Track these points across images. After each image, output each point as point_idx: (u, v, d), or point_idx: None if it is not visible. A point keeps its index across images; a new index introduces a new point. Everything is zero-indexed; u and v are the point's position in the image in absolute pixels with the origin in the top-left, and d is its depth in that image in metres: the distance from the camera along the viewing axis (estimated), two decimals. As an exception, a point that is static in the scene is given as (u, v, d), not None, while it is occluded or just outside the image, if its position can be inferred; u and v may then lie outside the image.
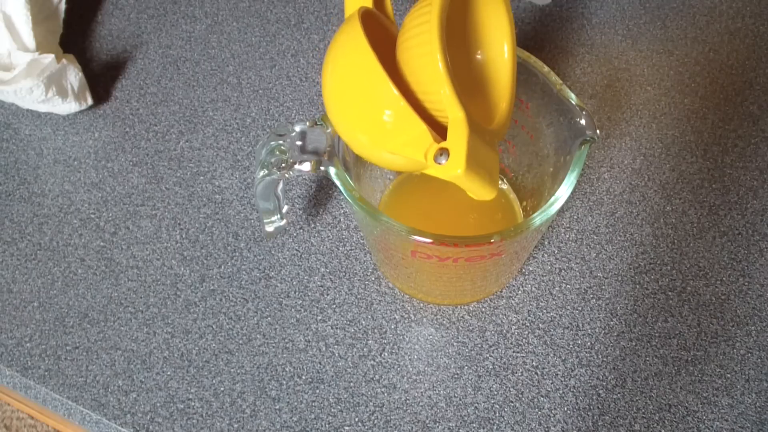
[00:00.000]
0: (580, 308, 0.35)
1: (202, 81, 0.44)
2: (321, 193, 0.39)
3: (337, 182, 0.28)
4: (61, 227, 0.38)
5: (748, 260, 0.37)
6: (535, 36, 0.45)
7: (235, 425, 0.33)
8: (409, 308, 0.35)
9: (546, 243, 0.37)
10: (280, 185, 0.32)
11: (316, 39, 0.45)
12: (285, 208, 0.34)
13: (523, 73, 0.30)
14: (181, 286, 0.36)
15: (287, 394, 0.33)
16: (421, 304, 0.36)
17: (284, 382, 0.34)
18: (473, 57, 0.28)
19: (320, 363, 0.34)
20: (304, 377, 0.34)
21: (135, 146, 0.41)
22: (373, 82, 0.24)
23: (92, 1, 0.47)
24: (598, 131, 0.29)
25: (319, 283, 0.36)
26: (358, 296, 0.36)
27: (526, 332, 0.35)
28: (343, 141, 0.27)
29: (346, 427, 0.32)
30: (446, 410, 0.33)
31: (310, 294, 0.36)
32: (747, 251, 0.37)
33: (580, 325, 0.35)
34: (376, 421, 0.33)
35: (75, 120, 0.42)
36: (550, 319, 0.35)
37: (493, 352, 0.34)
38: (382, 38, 0.27)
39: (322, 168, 0.29)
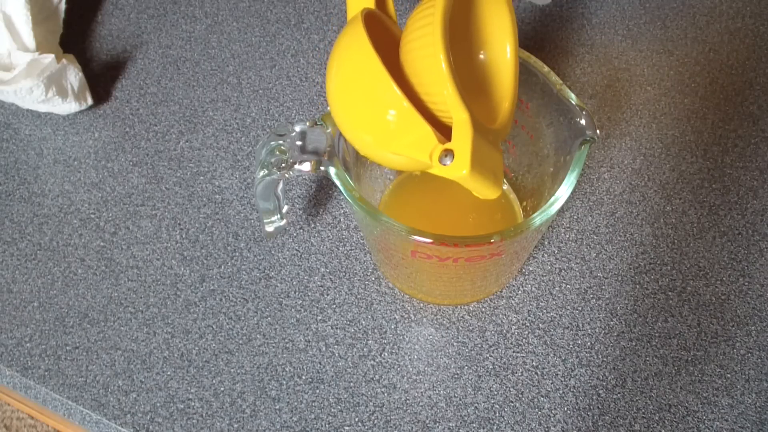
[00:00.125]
0: (580, 308, 0.35)
1: (202, 81, 0.44)
2: (321, 193, 0.39)
3: (337, 182, 0.28)
4: (61, 227, 0.38)
5: (748, 260, 0.37)
6: (535, 36, 0.45)
7: (235, 425, 0.33)
8: (409, 308, 0.35)
9: (546, 243, 0.37)
10: (280, 185, 0.32)
11: (316, 39, 0.45)
12: (285, 208, 0.34)
13: (523, 73, 0.30)
14: (181, 286, 0.36)
15: (287, 394, 0.33)
16: (421, 304, 0.36)
17: (284, 382, 0.34)
18: (476, 57, 0.29)
19: (320, 363, 0.34)
20: (304, 377, 0.34)
21: (135, 146, 0.41)
22: (377, 84, 0.24)
23: (92, 1, 0.47)
24: (598, 131, 0.29)
25: (319, 283, 0.36)
26: (358, 296, 0.36)
27: (526, 332, 0.35)
28: (347, 141, 0.27)
29: (346, 427, 0.32)
30: (446, 410, 0.33)
31: (310, 294, 0.36)
32: (747, 251, 0.37)
33: (580, 325, 0.35)
34: (376, 421, 0.33)
35: (75, 120, 0.42)
36: (550, 319, 0.35)
37: (493, 352, 0.34)
38: (386, 39, 0.27)
39: (322, 168, 0.29)
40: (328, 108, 0.29)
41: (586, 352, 0.34)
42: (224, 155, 0.41)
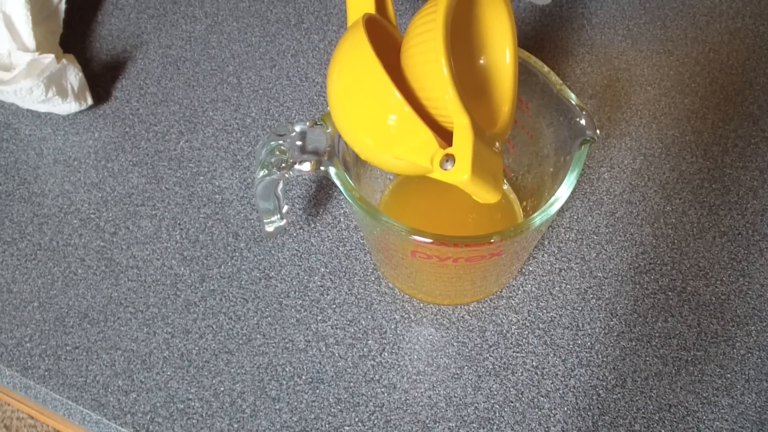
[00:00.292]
0: (580, 308, 0.35)
1: (202, 81, 0.44)
2: (321, 193, 0.39)
3: (337, 182, 0.28)
4: (61, 227, 0.38)
5: (748, 260, 0.37)
6: (535, 36, 0.45)
7: (235, 425, 0.33)
8: (409, 308, 0.35)
9: (546, 243, 0.37)
10: (280, 185, 0.32)
11: (316, 39, 0.45)
12: (285, 208, 0.34)
13: (523, 73, 0.30)
14: (181, 286, 0.36)
15: (287, 394, 0.33)
16: (421, 304, 0.36)
17: (284, 382, 0.34)
18: (476, 61, 0.29)
19: (320, 363, 0.34)
20: (304, 377, 0.34)
21: (135, 146, 0.41)
22: (378, 89, 0.24)
23: (92, 1, 0.47)
24: (598, 131, 0.29)
25: (319, 283, 0.36)
26: (358, 296, 0.36)
27: (526, 332, 0.35)
28: (348, 146, 0.27)
29: (346, 427, 0.32)
30: (446, 410, 0.33)
31: (310, 294, 0.36)
32: (747, 251, 0.37)
33: (580, 325, 0.35)
34: (376, 421, 0.33)
35: (75, 120, 0.42)
36: (550, 319, 0.35)
37: (493, 352, 0.34)
38: (386, 44, 0.27)
39: (322, 168, 0.29)
40: (329, 109, 0.29)
41: (586, 352, 0.34)
42: (224, 155, 0.41)
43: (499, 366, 0.34)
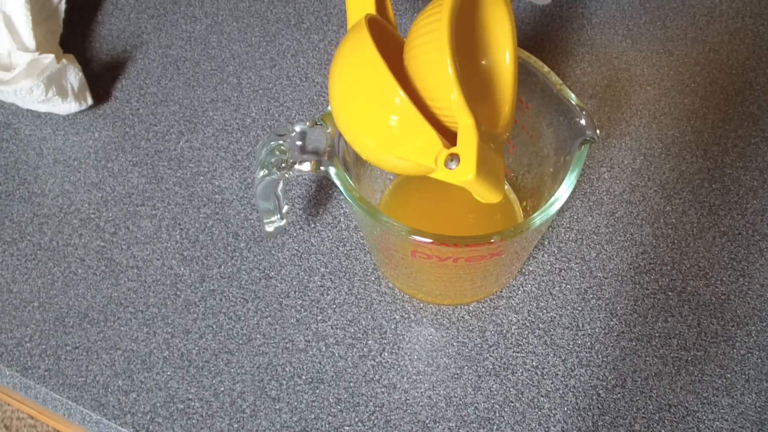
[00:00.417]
0: (580, 308, 0.35)
1: (202, 81, 0.44)
2: (321, 193, 0.39)
3: (337, 182, 0.28)
4: (61, 227, 0.38)
5: (748, 260, 0.37)
6: (535, 36, 0.45)
7: (235, 425, 0.33)
8: (409, 308, 0.35)
9: (546, 243, 0.37)
10: (280, 185, 0.32)
11: (316, 39, 0.45)
12: (285, 208, 0.34)
13: (523, 73, 0.30)
14: (181, 286, 0.36)
15: (287, 394, 0.33)
16: (421, 304, 0.36)
17: (284, 382, 0.34)
18: (476, 62, 0.29)
19: (320, 363, 0.34)
20: (304, 377, 0.34)
21: (135, 146, 0.41)
22: (383, 90, 0.24)
23: (92, 1, 0.47)
24: (598, 131, 0.29)
25: (319, 283, 0.36)
26: (358, 296, 0.36)
27: (526, 332, 0.35)
28: (350, 146, 0.27)
29: (346, 427, 0.32)
30: (446, 410, 0.33)
31: (310, 294, 0.36)
32: (747, 251, 0.37)
33: (580, 325, 0.35)
34: (376, 421, 0.33)
35: (75, 120, 0.42)
36: (550, 319, 0.35)
37: (493, 352, 0.34)
38: (387, 44, 0.27)
39: (322, 168, 0.29)
40: (329, 108, 0.29)
41: (586, 352, 0.34)
42: (224, 155, 0.41)
43: (499, 366, 0.34)
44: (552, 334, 0.35)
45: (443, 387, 0.33)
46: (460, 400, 0.33)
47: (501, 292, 0.36)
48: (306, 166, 0.29)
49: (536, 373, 0.34)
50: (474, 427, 0.32)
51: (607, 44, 0.45)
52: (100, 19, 0.47)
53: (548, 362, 0.34)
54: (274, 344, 0.35)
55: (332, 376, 0.34)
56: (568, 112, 0.28)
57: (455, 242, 0.26)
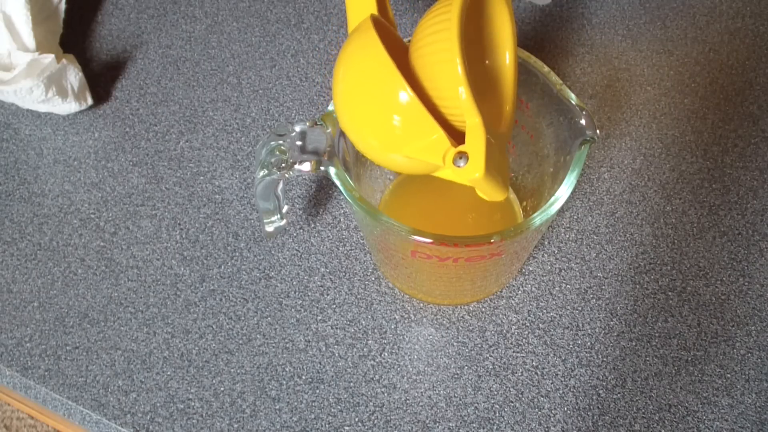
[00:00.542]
0: (580, 308, 0.35)
1: (202, 81, 0.44)
2: (321, 193, 0.39)
3: (337, 182, 0.28)
4: (61, 227, 0.38)
5: (748, 260, 0.37)
6: (535, 36, 0.45)
7: (235, 425, 0.33)
8: (409, 308, 0.35)
9: (546, 243, 0.37)
10: (280, 185, 0.32)
11: (316, 39, 0.45)
12: (285, 208, 0.34)
13: (523, 73, 0.30)
14: (181, 286, 0.36)
15: (287, 394, 0.33)
16: (421, 304, 0.36)
17: (284, 382, 0.34)
18: (478, 62, 0.29)
19: (320, 363, 0.34)
20: (304, 377, 0.34)
21: (135, 146, 0.41)
22: (392, 89, 0.24)
23: (92, 1, 0.47)
24: (598, 131, 0.29)
25: (319, 283, 0.36)
26: (358, 296, 0.36)
27: (526, 332, 0.35)
28: (349, 143, 0.27)
29: (346, 427, 0.32)
30: (446, 410, 0.33)
31: (310, 294, 0.36)
32: (747, 251, 0.37)
33: (580, 325, 0.35)
34: (376, 421, 0.33)
35: (75, 120, 0.42)
36: (550, 319, 0.35)
37: (493, 352, 0.34)
38: (389, 44, 0.27)
39: (322, 168, 0.29)
40: (329, 108, 0.29)
41: (586, 352, 0.34)
42: (224, 155, 0.41)
43: (499, 366, 0.34)
44: (552, 334, 0.35)
45: (443, 387, 0.33)
46: (460, 400, 0.33)
47: (501, 292, 0.36)
48: (306, 166, 0.29)
49: (536, 373, 0.34)
50: (474, 427, 0.32)
51: (607, 44, 0.45)
52: (100, 19, 0.47)
53: (548, 362, 0.34)
54: (274, 344, 0.35)
55: (332, 376, 0.34)
56: (568, 112, 0.28)
57: (455, 242, 0.26)
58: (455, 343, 0.34)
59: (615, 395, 0.33)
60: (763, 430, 0.32)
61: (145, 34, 0.46)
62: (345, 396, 0.33)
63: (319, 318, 0.35)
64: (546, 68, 0.29)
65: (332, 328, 0.35)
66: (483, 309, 0.35)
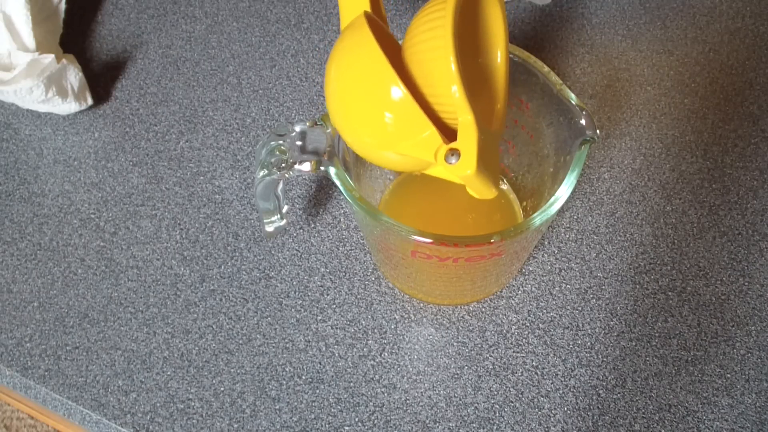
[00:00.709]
0: (580, 308, 0.35)
1: (202, 81, 0.44)
2: (321, 193, 0.39)
3: (337, 182, 0.28)
4: (61, 227, 0.38)
5: (748, 260, 0.37)
6: (535, 36, 0.45)
7: (235, 425, 0.33)
8: (409, 308, 0.35)
9: (546, 243, 0.37)
10: (280, 185, 0.32)
11: (316, 39, 0.45)
12: (285, 208, 0.34)
13: (523, 73, 0.30)
14: (181, 286, 0.36)
15: (287, 394, 0.33)
16: (421, 304, 0.36)
17: (284, 382, 0.34)
18: (471, 60, 0.29)
19: (320, 363, 0.34)
20: (304, 377, 0.34)
21: (135, 146, 0.41)
22: (385, 85, 0.24)
23: (92, 1, 0.47)
24: (598, 131, 0.29)
25: (319, 283, 0.36)
26: (358, 296, 0.36)
27: (526, 332, 0.35)
28: (347, 144, 0.27)
29: (346, 427, 0.32)
30: (446, 410, 0.33)
31: (310, 294, 0.36)
32: (747, 251, 0.37)
33: (580, 325, 0.35)
34: (376, 421, 0.33)
35: (75, 120, 0.42)
36: (550, 319, 0.35)
37: (493, 352, 0.34)
38: (382, 42, 0.27)
39: (322, 168, 0.29)
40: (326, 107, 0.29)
41: (586, 352, 0.34)
42: (224, 155, 0.41)
43: (499, 366, 0.34)
44: (552, 334, 0.35)
45: (443, 387, 0.33)
46: (460, 400, 0.33)
47: (501, 292, 0.36)
48: (306, 166, 0.29)
49: (536, 373, 0.34)
50: (474, 427, 0.32)
51: (607, 44, 0.45)
52: (100, 19, 0.47)
53: (548, 362, 0.34)
54: (274, 344, 0.35)
55: (332, 376, 0.34)
56: (568, 112, 0.28)
57: (455, 242, 0.26)
58: (455, 343, 0.34)
59: (615, 395, 0.33)
60: (763, 430, 0.32)
61: (145, 34, 0.46)
62: (345, 396, 0.33)
63: (319, 318, 0.35)
64: (546, 68, 0.29)
65: (332, 328, 0.35)
66: (483, 309, 0.35)
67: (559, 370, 0.34)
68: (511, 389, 0.33)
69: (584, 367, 0.34)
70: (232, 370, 0.34)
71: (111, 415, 0.33)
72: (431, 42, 0.24)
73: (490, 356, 0.34)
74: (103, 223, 0.38)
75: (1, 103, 0.43)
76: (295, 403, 0.33)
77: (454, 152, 0.24)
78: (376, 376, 0.34)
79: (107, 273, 0.37)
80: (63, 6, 0.43)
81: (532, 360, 0.34)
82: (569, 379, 0.33)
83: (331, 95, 0.26)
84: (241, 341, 0.35)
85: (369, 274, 0.36)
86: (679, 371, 0.34)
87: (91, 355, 0.34)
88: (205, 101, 0.43)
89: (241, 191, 0.39)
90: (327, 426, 0.32)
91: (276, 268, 0.37)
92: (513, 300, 0.35)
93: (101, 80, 0.44)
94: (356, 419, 0.33)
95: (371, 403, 0.33)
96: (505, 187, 0.37)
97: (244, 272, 0.37)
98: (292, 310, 0.35)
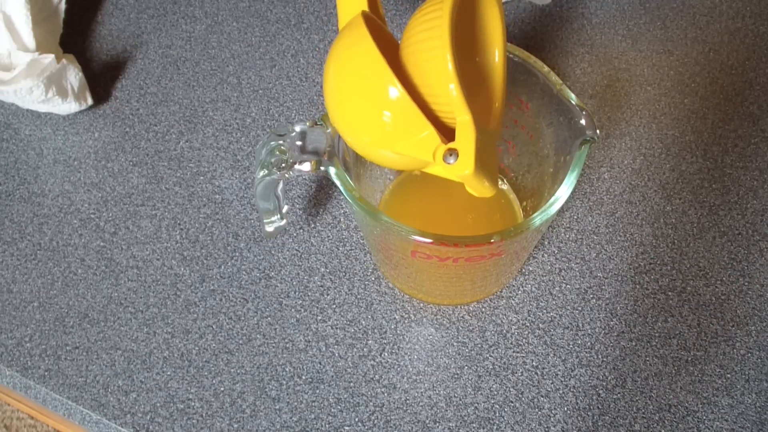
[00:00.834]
0: (580, 308, 0.35)
1: (202, 81, 0.44)
2: (321, 193, 0.39)
3: (337, 182, 0.28)
4: (61, 227, 0.38)
5: (748, 260, 0.37)
6: (535, 36, 0.45)
7: (235, 425, 0.33)
8: (409, 308, 0.35)
9: (546, 243, 0.37)
10: (280, 185, 0.32)
11: (316, 39, 0.45)
12: (285, 208, 0.34)
13: (523, 73, 0.30)
14: (181, 286, 0.36)
15: (287, 394, 0.33)
16: (421, 304, 0.36)
17: (284, 382, 0.34)
18: (468, 60, 0.29)
19: (320, 363, 0.34)
20: (304, 377, 0.34)
21: (135, 146, 0.41)
22: (382, 85, 0.24)
23: (92, 1, 0.47)
24: (598, 131, 0.29)
25: (319, 283, 0.36)
26: (358, 296, 0.36)
27: (526, 332, 0.35)
28: (346, 143, 0.27)
29: (346, 427, 0.32)
30: (446, 410, 0.33)
31: (310, 294, 0.36)
32: (747, 251, 0.37)
33: (580, 325, 0.35)
34: (376, 421, 0.33)
35: (75, 120, 0.42)
36: (550, 319, 0.35)
37: (493, 352, 0.34)
38: (380, 42, 0.27)
39: (322, 168, 0.29)
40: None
41: (586, 352, 0.34)
42: (224, 155, 0.41)
43: (499, 366, 0.34)
44: (552, 334, 0.35)
45: (443, 387, 0.33)
46: (460, 400, 0.33)
47: (501, 292, 0.36)
48: (306, 166, 0.29)
49: (536, 373, 0.34)
50: (474, 427, 0.32)
51: (607, 44, 0.45)
52: (100, 19, 0.47)
53: (548, 362, 0.34)
54: (274, 344, 0.35)
55: (332, 376, 0.34)
56: (568, 112, 0.28)
57: (455, 242, 0.26)
58: (455, 343, 0.34)
59: (615, 395, 0.33)
60: (763, 430, 0.32)
61: (145, 34, 0.46)
62: (345, 396, 0.33)
63: (319, 318, 0.35)
64: (546, 68, 0.29)
65: (332, 328, 0.35)
66: (483, 309, 0.35)
67: (559, 370, 0.34)
68: (511, 389, 0.33)
69: (584, 367, 0.34)
70: (232, 370, 0.34)
71: (111, 415, 0.33)
72: (428, 42, 0.24)
73: (490, 356, 0.34)
74: (103, 223, 0.38)
75: (1, 103, 0.43)
76: (295, 403, 0.33)
77: (453, 152, 0.24)
78: (376, 376, 0.34)
79: (107, 273, 0.37)
80: (63, 6, 0.43)
81: (532, 360, 0.34)
82: (569, 379, 0.33)
83: (330, 95, 0.26)
84: (241, 341, 0.35)
85: (369, 274, 0.36)
86: (679, 371, 0.34)
87: (91, 355, 0.34)
88: (205, 101, 0.43)
89: (241, 191, 0.39)
90: (327, 426, 0.32)
91: (276, 268, 0.37)
92: (513, 300, 0.35)
93: (101, 80, 0.44)
94: (356, 419, 0.33)
95: (371, 403, 0.33)
96: (505, 187, 0.37)
97: (244, 272, 0.37)
98: (292, 310, 0.35)
